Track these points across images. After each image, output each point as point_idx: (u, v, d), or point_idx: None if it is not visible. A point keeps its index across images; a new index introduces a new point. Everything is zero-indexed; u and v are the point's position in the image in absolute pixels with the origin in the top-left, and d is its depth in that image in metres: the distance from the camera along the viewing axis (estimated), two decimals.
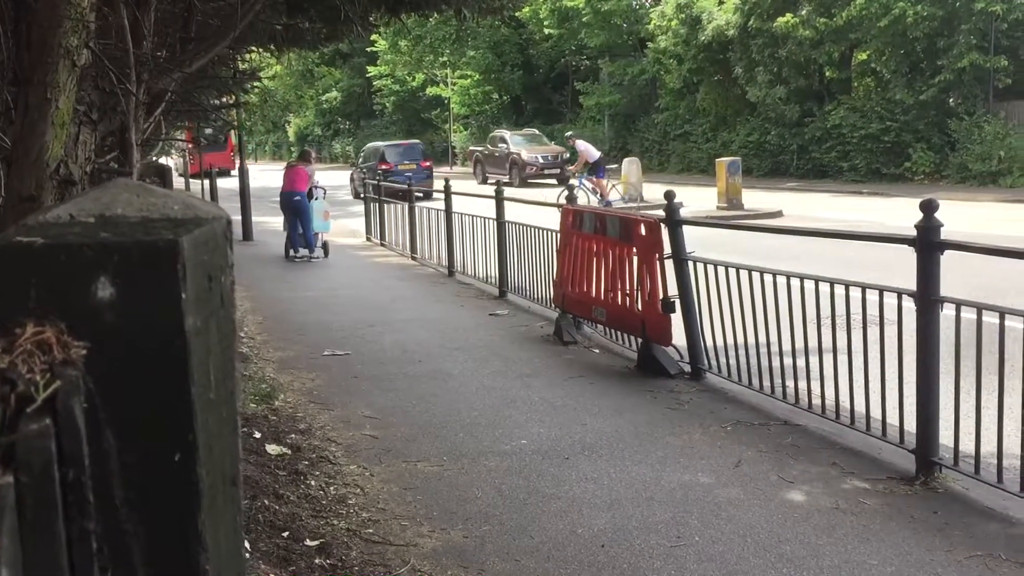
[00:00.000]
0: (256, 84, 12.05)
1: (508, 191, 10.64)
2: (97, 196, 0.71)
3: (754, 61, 28.41)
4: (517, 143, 30.40)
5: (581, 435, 5.31)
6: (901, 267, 5.10)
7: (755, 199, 20.00)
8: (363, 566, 3.74)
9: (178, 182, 23.77)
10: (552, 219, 8.53)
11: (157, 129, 5.41)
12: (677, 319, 6.50)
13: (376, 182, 16.22)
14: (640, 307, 6.77)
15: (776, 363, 5.66)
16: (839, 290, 5.17)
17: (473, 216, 10.99)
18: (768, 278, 5.68)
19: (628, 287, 6.94)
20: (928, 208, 4.45)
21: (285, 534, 3.98)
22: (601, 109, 36.65)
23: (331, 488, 4.58)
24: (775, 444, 5.08)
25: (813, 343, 5.41)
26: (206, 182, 20.66)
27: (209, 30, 5.14)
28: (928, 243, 4.43)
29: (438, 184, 15.91)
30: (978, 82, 23.91)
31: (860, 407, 5.05)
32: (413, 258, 13.64)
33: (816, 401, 5.35)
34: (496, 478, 4.68)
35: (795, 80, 28.06)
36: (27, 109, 2.51)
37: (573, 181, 18.22)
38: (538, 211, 10.09)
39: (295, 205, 13.70)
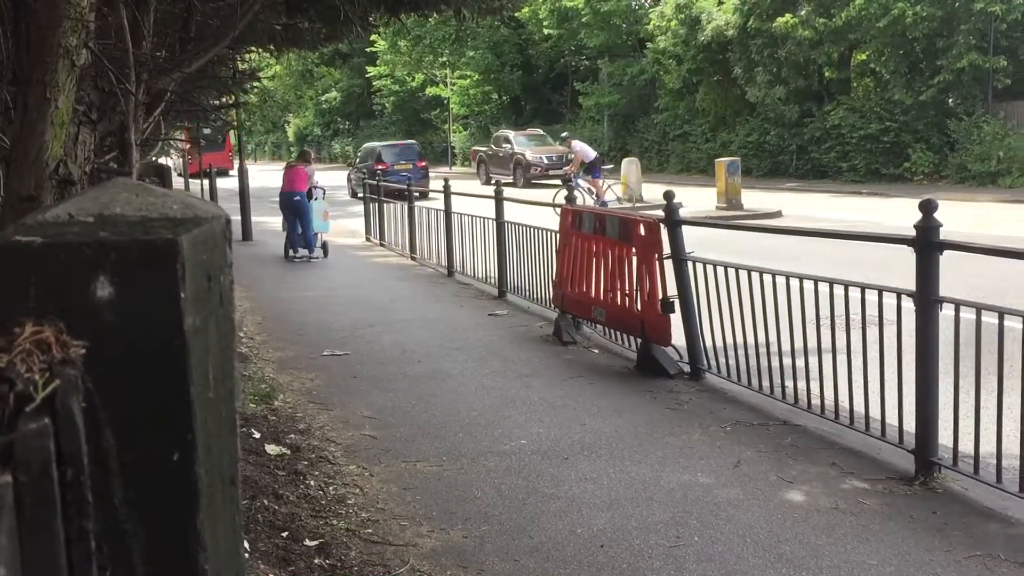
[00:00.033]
0: (255, 84, 12.05)
1: (507, 191, 10.64)
2: (96, 195, 0.71)
3: (753, 61, 28.41)
4: (521, 143, 30.21)
5: (580, 435, 5.31)
6: (900, 267, 5.10)
7: (754, 199, 20.00)
8: (362, 566, 3.74)
9: (177, 182, 23.76)
10: (551, 219, 8.54)
11: (156, 129, 5.41)
12: (676, 319, 6.50)
13: (375, 182, 16.22)
14: (639, 307, 6.77)
15: (775, 363, 5.67)
16: (838, 290, 5.17)
17: (472, 216, 10.99)
18: (767, 278, 5.69)
19: (627, 287, 6.94)
20: (927, 208, 4.45)
21: (284, 534, 3.98)
22: (600, 109, 36.65)
23: (330, 488, 4.58)
24: (774, 444, 5.08)
25: (812, 343, 5.41)
26: (205, 182, 20.65)
27: (208, 30, 5.14)
28: (927, 243, 4.43)
29: (434, 184, 15.93)
30: (977, 82, 23.93)
31: (859, 407, 5.05)
32: (412, 258, 13.64)
33: (815, 401, 5.35)
34: (495, 478, 4.68)
35: (794, 80, 28.07)
36: (26, 109, 2.51)
37: (570, 181, 18.20)
38: (538, 211, 10.10)
39: (295, 205, 13.70)
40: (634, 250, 6.82)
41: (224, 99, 9.71)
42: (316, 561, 3.76)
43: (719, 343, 6.24)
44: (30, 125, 2.49)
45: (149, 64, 3.71)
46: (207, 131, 23.33)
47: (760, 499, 4.33)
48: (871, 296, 4.92)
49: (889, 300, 4.83)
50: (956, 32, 23.33)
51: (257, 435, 5.32)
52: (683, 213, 6.93)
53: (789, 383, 5.60)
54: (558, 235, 8.17)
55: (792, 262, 6.75)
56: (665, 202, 6.75)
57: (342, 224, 18.53)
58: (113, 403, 0.62)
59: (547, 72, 42.63)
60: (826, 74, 28.76)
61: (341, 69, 51.74)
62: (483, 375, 6.77)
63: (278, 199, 14.40)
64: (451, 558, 3.81)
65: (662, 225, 6.64)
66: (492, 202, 10.31)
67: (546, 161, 29.16)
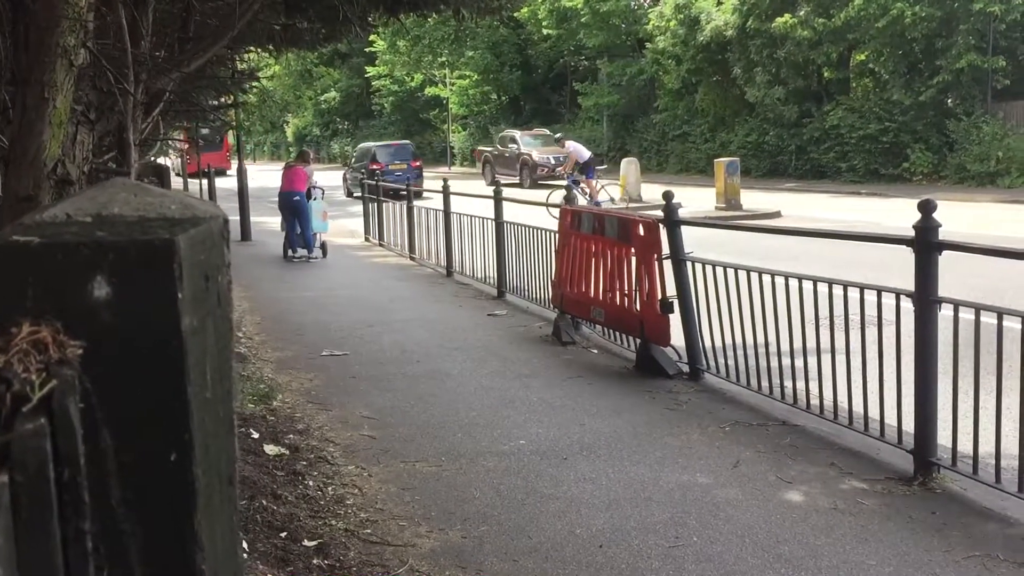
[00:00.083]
0: (254, 84, 12.04)
1: (506, 191, 10.64)
2: (94, 195, 0.71)
3: (752, 62, 28.43)
4: (528, 144, 29.88)
5: (579, 435, 5.31)
6: (899, 267, 5.10)
7: (753, 199, 20.01)
8: (361, 566, 3.74)
9: (176, 182, 23.76)
10: (549, 220, 8.53)
11: (155, 129, 5.40)
12: (675, 319, 6.50)
13: (374, 182, 16.23)
14: (638, 307, 6.77)
15: (774, 363, 5.67)
16: (837, 290, 5.17)
17: (472, 216, 10.99)
18: (766, 278, 5.69)
19: (626, 287, 6.94)
20: (926, 208, 4.45)
21: (283, 534, 3.98)
22: (600, 109, 36.67)
23: (329, 488, 4.58)
24: (773, 444, 5.08)
25: (812, 343, 5.41)
26: (204, 182, 20.66)
27: (207, 30, 5.13)
28: (926, 243, 4.43)
29: (433, 184, 15.92)
30: (976, 83, 23.95)
31: (858, 407, 5.05)
32: (412, 258, 13.64)
33: (814, 401, 5.35)
34: (494, 478, 4.68)
35: (793, 81, 28.08)
36: (24, 109, 2.51)
37: (562, 182, 18.27)
38: (538, 211, 10.09)
39: (294, 205, 13.70)
40: (633, 250, 6.82)
41: (223, 99, 9.71)
42: (315, 561, 3.75)
43: (718, 343, 6.24)
44: (28, 125, 2.49)
45: (148, 64, 3.70)
46: (205, 131, 23.36)
47: (759, 499, 4.33)
48: (870, 296, 4.92)
49: (888, 300, 4.84)
50: (955, 32, 23.35)
51: (256, 435, 5.32)
52: (682, 213, 6.93)
53: (788, 383, 5.60)
54: (557, 235, 8.17)
55: (791, 262, 6.76)
56: (664, 202, 6.75)
57: (341, 224, 18.52)
58: (110, 403, 0.62)
59: (546, 72, 42.64)
60: (825, 74, 28.78)
61: (340, 69, 51.75)
62: (482, 375, 6.77)
63: (277, 199, 14.40)
64: (450, 558, 3.81)
65: (661, 225, 6.64)
66: (491, 202, 10.31)
67: (553, 161, 29.08)
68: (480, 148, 34.44)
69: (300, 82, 49.92)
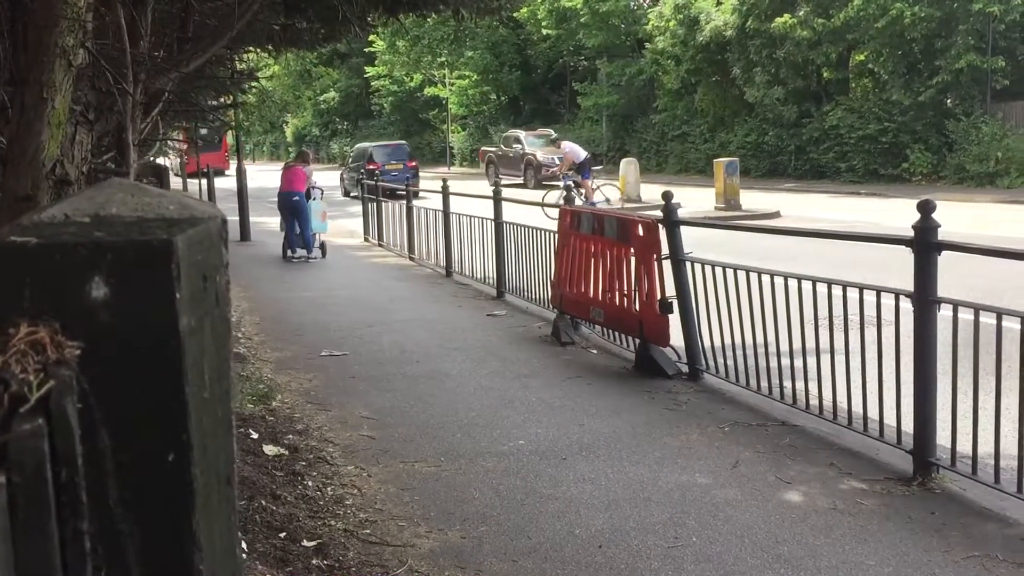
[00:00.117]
0: (254, 84, 12.03)
1: (505, 191, 10.64)
2: (92, 196, 0.71)
3: (752, 62, 28.44)
4: (532, 144, 29.61)
5: (579, 436, 5.31)
6: (899, 268, 5.10)
7: (753, 200, 20.02)
8: (360, 567, 3.74)
9: (176, 182, 23.75)
10: (546, 220, 8.52)
11: (154, 129, 5.40)
12: (675, 320, 6.50)
13: (374, 182, 16.24)
14: (638, 308, 6.77)
15: (774, 364, 5.67)
16: (836, 291, 5.17)
17: (471, 217, 10.99)
18: (766, 279, 5.69)
19: (626, 288, 6.94)
20: (925, 209, 4.45)
21: (282, 535, 3.97)
22: (599, 109, 36.67)
23: (328, 489, 4.58)
24: (773, 445, 5.08)
25: (811, 344, 5.41)
26: (203, 182, 20.66)
27: (206, 30, 5.13)
28: (925, 244, 4.43)
29: (428, 184, 15.93)
30: (976, 83, 23.96)
31: (858, 408, 5.05)
32: (411, 258, 13.64)
33: (814, 402, 5.35)
34: (494, 479, 4.68)
35: (793, 81, 28.09)
36: (23, 109, 2.51)
37: (558, 182, 18.27)
38: (538, 211, 10.09)
39: (293, 205, 13.70)
40: (632, 250, 6.82)
41: (222, 99, 9.71)
42: (314, 562, 3.75)
43: (717, 343, 6.24)
44: (27, 125, 2.49)
45: (147, 64, 3.70)
46: (204, 131, 23.37)
47: (758, 499, 4.33)
48: (869, 297, 4.92)
49: (887, 301, 4.84)
50: (954, 33, 23.36)
51: (255, 435, 5.32)
52: (681, 213, 6.93)
53: (787, 383, 5.60)
54: (556, 235, 8.17)
55: (790, 262, 6.75)
56: (663, 202, 6.75)
57: (340, 224, 18.53)
58: (108, 404, 0.62)
59: (546, 72, 42.65)
60: (824, 74, 28.79)
61: (339, 69, 51.75)
62: (481, 375, 6.77)
63: (276, 199, 14.40)
64: (449, 559, 3.81)
65: (660, 225, 6.64)
66: (490, 202, 10.31)
67: (557, 161, 29.07)
68: (484, 148, 34.22)
69: (299, 82, 49.90)
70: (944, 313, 4.47)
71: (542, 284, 8.84)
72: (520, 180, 28.17)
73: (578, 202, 19.33)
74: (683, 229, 6.69)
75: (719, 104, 31.44)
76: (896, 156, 25.04)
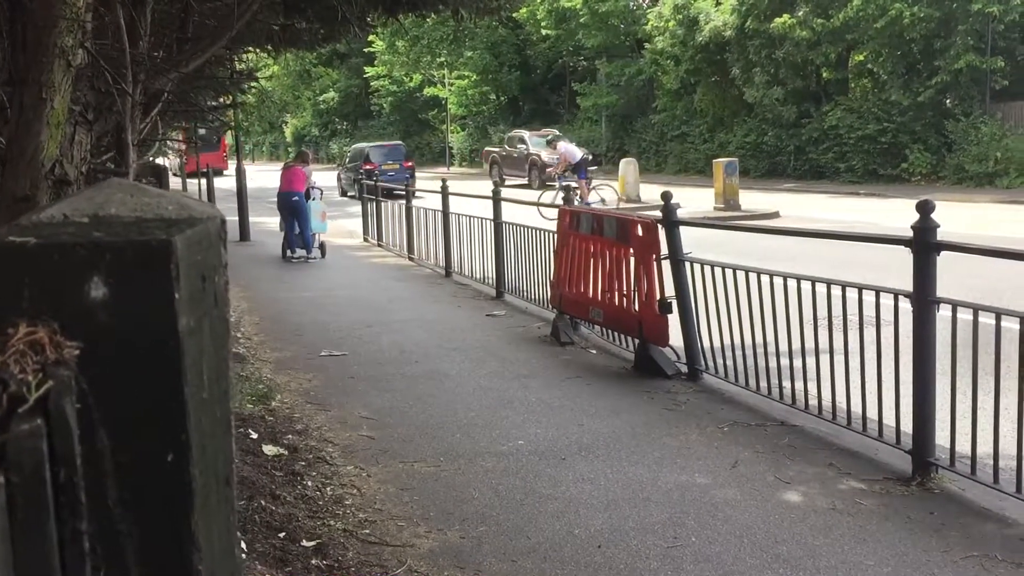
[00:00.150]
0: (253, 84, 12.02)
1: (505, 192, 10.64)
2: (91, 196, 0.71)
3: (751, 62, 28.45)
4: (536, 144, 29.30)
5: (578, 436, 5.31)
6: (898, 268, 5.11)
7: (752, 200, 20.02)
8: (360, 567, 3.74)
9: (175, 182, 23.75)
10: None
11: (154, 129, 5.40)
12: (674, 320, 6.50)
13: (373, 182, 16.25)
14: (637, 308, 6.77)
15: (773, 364, 5.67)
16: (836, 291, 5.18)
17: (470, 217, 10.99)
18: (765, 279, 5.69)
19: (625, 288, 6.94)
20: (924, 209, 4.45)
21: (282, 535, 3.97)
22: (598, 110, 36.68)
23: (328, 489, 4.58)
24: (772, 445, 5.08)
25: (810, 344, 5.42)
26: (203, 182, 20.66)
27: (206, 30, 5.13)
28: (924, 244, 4.43)
29: (428, 184, 15.93)
30: (975, 83, 23.98)
31: (857, 408, 5.05)
32: (410, 259, 13.64)
33: (813, 402, 5.35)
34: (493, 479, 4.68)
35: (792, 81, 28.10)
36: (22, 109, 2.51)
37: (552, 182, 18.30)
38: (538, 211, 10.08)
39: (293, 205, 13.70)
40: (632, 251, 6.82)
41: (221, 99, 9.70)
42: (313, 562, 3.75)
43: (716, 344, 6.24)
44: (26, 125, 2.49)
45: (146, 64, 3.70)
46: (202, 131, 23.38)
47: (757, 500, 4.33)
48: (868, 297, 4.93)
49: (886, 301, 4.84)
50: (954, 33, 23.37)
51: (255, 435, 5.32)
52: (681, 214, 6.93)
53: (787, 384, 5.60)
54: (556, 236, 8.17)
55: (789, 263, 6.76)
56: (663, 203, 6.76)
57: (340, 224, 18.53)
58: (107, 404, 0.62)
59: (545, 72, 42.65)
60: (824, 75, 28.81)
61: (339, 69, 51.75)
62: (481, 376, 6.77)
63: (276, 199, 14.40)
64: (448, 559, 3.81)
65: (660, 226, 6.64)
66: (489, 203, 10.31)
67: (555, 161, 28.99)
68: (488, 149, 34.02)
69: (299, 82, 49.92)
70: (943, 313, 4.47)
71: (541, 284, 8.84)
72: (524, 180, 28.11)
73: (574, 203, 19.37)
74: (682, 229, 6.69)
75: (718, 104, 31.45)
76: (895, 156, 25.05)
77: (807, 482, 4.54)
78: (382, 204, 15.52)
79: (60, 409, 0.59)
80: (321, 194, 14.56)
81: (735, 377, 6.03)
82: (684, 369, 6.55)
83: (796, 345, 5.51)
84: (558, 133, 30.77)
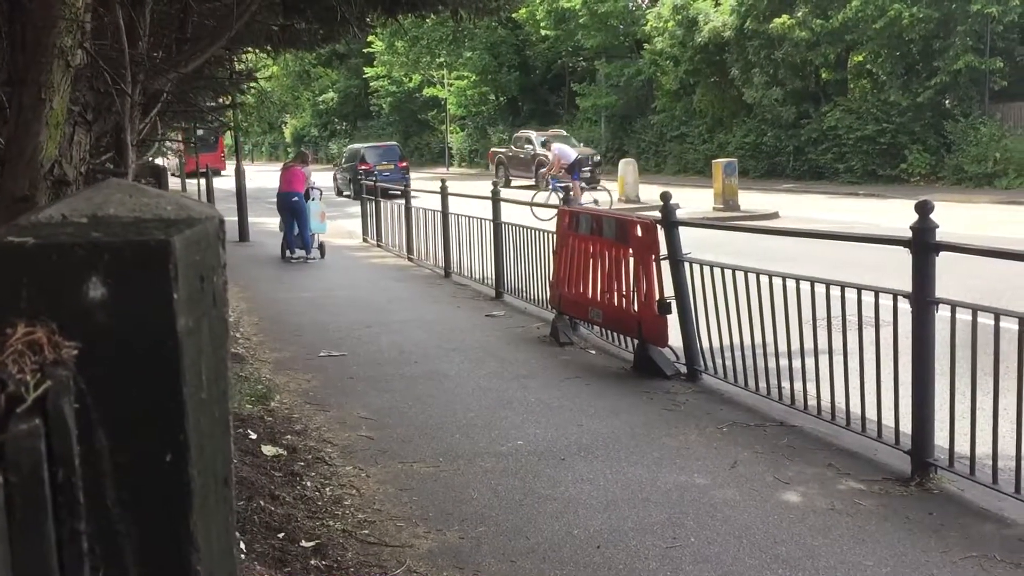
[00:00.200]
0: (252, 85, 12.04)
1: (506, 192, 10.65)
2: (89, 196, 0.71)
3: (750, 63, 28.46)
4: (544, 144, 29.76)
5: (577, 436, 5.31)
6: (897, 268, 5.11)
7: (751, 200, 20.03)
8: (359, 567, 3.74)
9: (175, 183, 23.75)
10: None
11: (153, 130, 5.40)
12: (673, 320, 6.50)
13: (372, 183, 16.26)
14: (636, 308, 6.77)
15: (772, 364, 5.67)
16: (835, 291, 5.18)
17: (470, 217, 10.99)
18: (764, 279, 5.69)
19: (624, 288, 6.94)
20: (923, 209, 4.46)
21: (281, 535, 3.97)
22: (598, 110, 36.69)
23: (327, 489, 4.58)
24: (771, 445, 5.08)
25: (809, 344, 5.42)
26: (202, 182, 20.67)
27: (205, 31, 5.13)
28: (924, 244, 4.43)
29: (425, 185, 15.94)
30: (974, 84, 23.99)
31: (856, 408, 5.05)
32: (410, 259, 13.64)
33: (812, 402, 5.36)
34: (492, 479, 4.68)
35: (791, 82, 28.12)
36: (21, 109, 2.50)
37: (546, 183, 18.32)
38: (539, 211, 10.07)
39: (292, 206, 13.70)
40: (631, 251, 6.82)
41: (221, 100, 9.70)
42: (312, 562, 3.75)
43: (716, 344, 6.24)
44: (25, 125, 2.49)
45: (145, 64, 3.70)
46: (200, 132, 23.39)
47: (756, 500, 4.33)
48: (868, 297, 4.93)
49: (885, 301, 4.84)
50: (953, 34, 23.39)
51: (253, 436, 5.31)
52: (680, 214, 6.93)
53: (786, 384, 5.60)
54: (555, 236, 8.18)
55: (789, 263, 6.76)
56: (662, 203, 6.76)
57: (339, 225, 18.52)
58: (105, 404, 0.62)
59: (544, 73, 42.65)
60: (823, 75, 28.82)
61: (338, 70, 51.72)
62: (480, 376, 6.77)
63: (275, 200, 14.40)
64: (447, 559, 3.81)
65: (659, 226, 6.64)
66: (488, 203, 10.32)
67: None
68: (494, 150, 33.72)
69: (298, 83, 49.83)
70: (942, 314, 4.47)
71: (541, 285, 8.84)
72: (531, 181, 28.04)
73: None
74: (681, 230, 6.69)
75: (717, 105, 31.46)
76: (894, 157, 25.07)
77: (806, 482, 4.54)
78: (381, 204, 15.52)
79: (58, 409, 0.59)
80: (321, 194, 14.57)
81: (734, 377, 6.03)
82: (683, 369, 6.55)
83: (795, 345, 5.51)
84: (565, 134, 30.65)
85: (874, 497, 4.34)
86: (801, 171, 27.93)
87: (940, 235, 4.47)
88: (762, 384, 5.75)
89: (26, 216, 0.69)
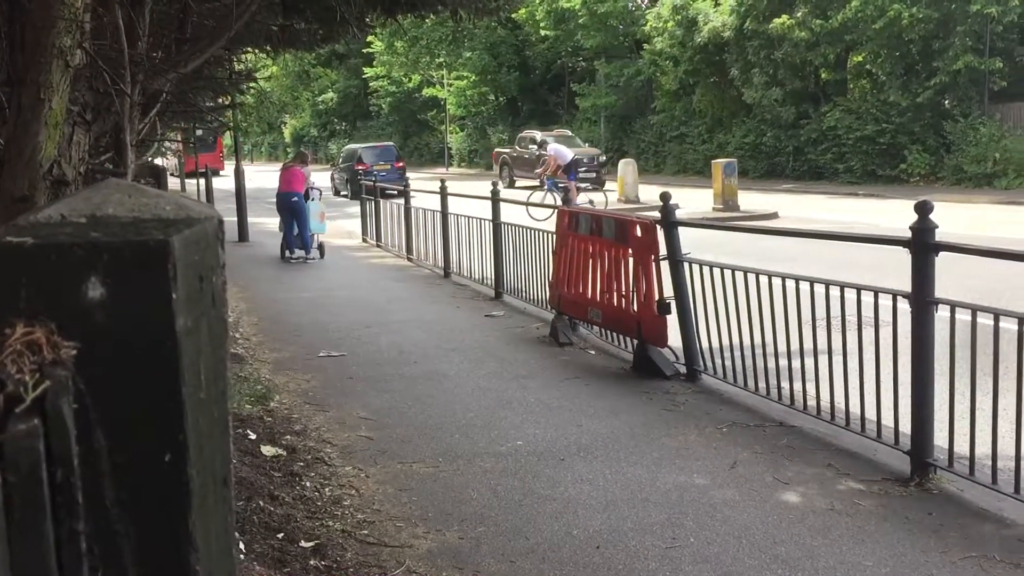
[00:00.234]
0: (252, 85, 12.03)
1: (506, 192, 10.65)
2: (88, 196, 0.71)
3: (750, 63, 28.46)
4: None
5: (577, 436, 5.31)
6: (896, 269, 5.11)
7: (751, 201, 20.03)
8: (358, 567, 3.74)
9: (174, 183, 23.75)
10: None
11: (152, 130, 5.40)
12: (673, 320, 6.50)
13: (372, 183, 16.25)
14: (636, 308, 6.77)
15: (772, 364, 5.67)
16: (835, 291, 5.18)
17: (469, 217, 10.99)
18: (764, 279, 5.69)
19: (624, 288, 6.94)
20: (923, 210, 4.46)
21: (280, 535, 3.97)
22: (597, 110, 36.69)
23: (326, 489, 4.58)
24: (771, 445, 5.08)
25: (809, 345, 5.42)
26: (201, 182, 20.67)
27: (204, 31, 5.13)
28: (923, 245, 4.43)
29: (425, 185, 15.93)
30: (973, 84, 24.00)
31: (855, 408, 5.05)
32: (409, 259, 13.64)
33: (811, 402, 5.36)
34: (491, 479, 4.68)
35: (791, 82, 28.12)
36: (20, 109, 2.50)
37: (541, 183, 18.31)
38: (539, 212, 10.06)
39: (292, 206, 13.70)
40: (630, 251, 6.82)
41: (220, 100, 9.70)
42: (312, 562, 3.75)
43: (715, 344, 6.24)
44: (24, 125, 2.49)
45: (144, 65, 3.70)
46: (199, 132, 23.40)
47: (756, 500, 4.33)
48: (867, 297, 4.93)
49: (885, 301, 4.84)
50: (952, 34, 23.39)
51: (253, 436, 5.31)
52: (679, 214, 6.93)
53: (785, 384, 5.60)
54: (555, 236, 8.18)
55: (788, 263, 6.76)
56: (661, 203, 6.76)
57: (339, 225, 18.52)
58: (104, 404, 0.62)
59: (544, 73, 42.65)
60: (822, 75, 28.82)
61: (338, 70, 51.72)
62: (479, 376, 6.77)
63: (275, 200, 14.41)
64: (447, 559, 3.81)
65: (658, 226, 6.64)
66: (488, 203, 10.31)
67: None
68: (498, 150, 33.58)
69: (297, 83, 49.83)
70: (942, 314, 4.47)
71: (540, 285, 8.84)
72: (537, 181, 28.00)
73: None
74: (681, 230, 6.69)
75: (717, 105, 31.47)
76: (894, 157, 25.08)
77: (806, 483, 4.54)
78: (381, 205, 15.52)
79: (57, 409, 0.59)
80: (320, 195, 14.57)
81: (734, 378, 6.03)
82: (683, 370, 6.55)
83: (795, 346, 5.51)
84: (570, 134, 30.55)
85: (873, 497, 4.34)
86: (801, 171, 27.95)
87: (939, 235, 4.47)
88: (762, 384, 5.75)
89: (25, 216, 0.69)
